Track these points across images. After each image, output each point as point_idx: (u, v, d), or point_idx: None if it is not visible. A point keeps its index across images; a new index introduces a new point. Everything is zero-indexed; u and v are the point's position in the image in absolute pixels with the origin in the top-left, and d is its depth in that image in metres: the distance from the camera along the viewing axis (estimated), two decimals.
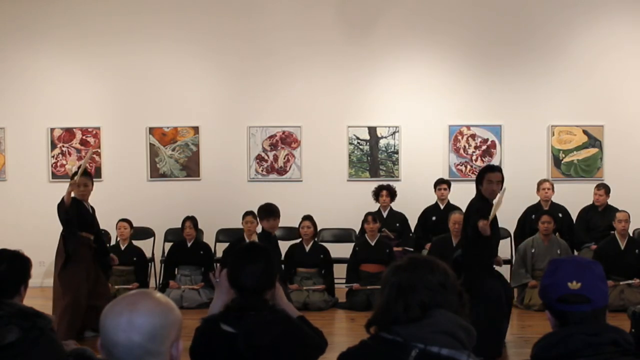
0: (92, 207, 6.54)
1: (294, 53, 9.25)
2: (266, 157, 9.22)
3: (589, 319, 1.96)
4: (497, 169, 5.84)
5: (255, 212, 7.65)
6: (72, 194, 6.19)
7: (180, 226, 8.36)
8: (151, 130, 9.29)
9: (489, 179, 5.68)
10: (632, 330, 4.47)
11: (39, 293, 8.53)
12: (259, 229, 8.06)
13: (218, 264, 8.33)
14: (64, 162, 9.37)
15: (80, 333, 6.15)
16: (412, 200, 8.61)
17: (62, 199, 6.20)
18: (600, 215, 8.28)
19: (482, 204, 5.69)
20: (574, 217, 8.37)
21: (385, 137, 9.22)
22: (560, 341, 1.94)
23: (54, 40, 9.34)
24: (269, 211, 6.06)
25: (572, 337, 1.93)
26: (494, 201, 5.67)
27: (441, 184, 8.48)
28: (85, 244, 6.37)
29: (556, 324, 2.02)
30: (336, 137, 9.22)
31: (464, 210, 7.42)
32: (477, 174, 5.89)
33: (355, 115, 9.22)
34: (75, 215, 6.25)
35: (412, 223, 8.50)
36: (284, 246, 7.77)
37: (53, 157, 9.36)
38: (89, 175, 6.54)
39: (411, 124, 9.16)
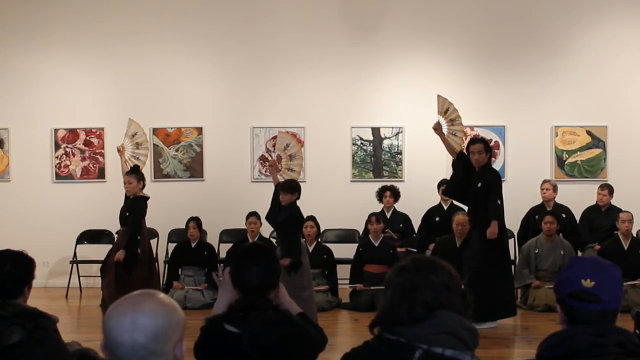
0: (134, 200, 7.25)
1: (297, 54, 9.25)
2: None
3: (597, 319, 1.95)
4: (478, 141, 6.79)
5: (258, 212, 7.78)
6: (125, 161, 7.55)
7: (183, 227, 8.36)
8: (155, 131, 9.29)
9: (471, 150, 6.68)
10: (636, 330, 4.47)
11: (43, 293, 8.55)
12: (262, 229, 8.11)
13: (222, 264, 8.34)
14: (68, 162, 9.38)
15: None
16: (416, 200, 8.59)
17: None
18: (604, 216, 8.28)
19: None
20: (578, 217, 8.36)
21: (389, 138, 9.22)
22: (566, 340, 1.94)
23: (58, 41, 9.35)
24: (283, 187, 6.44)
25: (578, 337, 1.92)
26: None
27: (444, 185, 8.46)
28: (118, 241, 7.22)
29: (564, 319, 2.02)
30: (339, 137, 9.21)
31: (467, 211, 7.44)
32: None
33: (359, 115, 9.21)
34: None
35: (416, 224, 8.49)
36: None
37: (57, 157, 9.37)
38: (134, 172, 7.19)
39: (415, 125, 9.14)
